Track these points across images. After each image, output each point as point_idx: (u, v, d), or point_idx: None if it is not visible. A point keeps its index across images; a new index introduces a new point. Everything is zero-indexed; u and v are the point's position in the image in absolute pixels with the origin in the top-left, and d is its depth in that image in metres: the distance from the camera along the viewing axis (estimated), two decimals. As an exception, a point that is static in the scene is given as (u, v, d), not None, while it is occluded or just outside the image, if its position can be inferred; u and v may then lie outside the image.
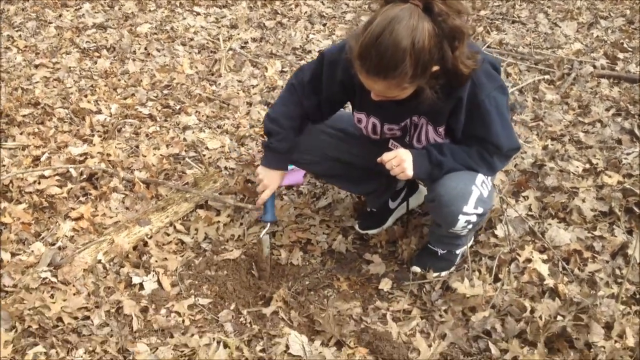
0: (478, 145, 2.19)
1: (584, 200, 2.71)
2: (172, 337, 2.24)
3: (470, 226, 2.30)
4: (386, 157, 2.18)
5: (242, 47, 4.90)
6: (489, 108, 2.07)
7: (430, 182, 2.27)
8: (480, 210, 2.25)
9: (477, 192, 2.21)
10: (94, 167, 3.15)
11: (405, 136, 2.32)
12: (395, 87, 1.93)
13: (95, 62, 4.63)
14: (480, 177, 2.23)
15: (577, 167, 2.98)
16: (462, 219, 2.25)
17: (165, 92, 4.21)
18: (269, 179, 2.48)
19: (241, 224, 2.85)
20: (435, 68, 1.90)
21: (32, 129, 3.59)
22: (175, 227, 2.84)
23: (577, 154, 3.13)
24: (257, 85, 4.30)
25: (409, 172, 2.15)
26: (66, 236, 2.71)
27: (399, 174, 2.17)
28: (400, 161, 2.15)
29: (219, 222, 2.87)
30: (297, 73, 2.45)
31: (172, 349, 2.15)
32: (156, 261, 2.61)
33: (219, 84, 4.34)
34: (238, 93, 4.18)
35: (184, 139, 3.61)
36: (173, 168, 3.30)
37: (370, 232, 2.84)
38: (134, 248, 2.67)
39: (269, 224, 2.55)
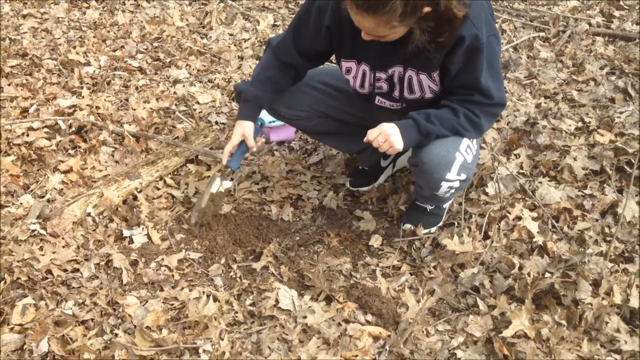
0: (466, 99, 2.15)
1: (575, 159, 2.70)
2: (162, 290, 2.24)
3: (452, 190, 2.32)
4: (371, 135, 2.15)
5: (233, 0, 4.81)
6: (484, 54, 2.03)
7: (415, 148, 2.26)
8: (463, 177, 2.28)
9: (461, 159, 2.22)
10: (83, 120, 3.12)
11: (392, 90, 2.28)
12: (385, 24, 1.86)
13: (84, 13, 4.57)
14: (464, 143, 2.23)
15: (570, 125, 2.97)
16: (444, 185, 2.27)
17: (156, 44, 4.17)
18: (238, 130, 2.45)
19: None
20: (427, 9, 1.83)
21: (20, 80, 3.55)
22: (165, 181, 2.82)
23: (570, 112, 3.12)
24: (248, 39, 4.25)
25: (398, 146, 2.13)
26: (55, 189, 2.69)
27: (387, 149, 2.15)
28: (386, 137, 2.12)
29: (209, 176, 2.85)
30: (274, 38, 2.42)
31: (161, 302, 2.16)
32: (146, 215, 2.60)
33: (210, 37, 4.29)
34: (229, 47, 4.14)
35: (174, 93, 3.58)
36: (163, 122, 3.27)
37: (362, 189, 2.84)
38: (124, 202, 2.66)
39: (229, 169, 2.49)
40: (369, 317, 2.11)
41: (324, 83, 2.51)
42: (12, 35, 4.11)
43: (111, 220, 2.56)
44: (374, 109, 2.38)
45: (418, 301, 2.17)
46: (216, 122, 3.31)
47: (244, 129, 2.40)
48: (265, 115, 2.98)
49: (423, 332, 2.05)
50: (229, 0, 4.79)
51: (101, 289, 2.21)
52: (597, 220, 2.45)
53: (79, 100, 3.36)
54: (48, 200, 2.61)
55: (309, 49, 2.32)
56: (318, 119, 2.55)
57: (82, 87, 3.57)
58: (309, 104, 2.51)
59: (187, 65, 3.89)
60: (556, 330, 1.95)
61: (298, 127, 2.75)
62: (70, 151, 2.99)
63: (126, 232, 2.49)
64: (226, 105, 3.49)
